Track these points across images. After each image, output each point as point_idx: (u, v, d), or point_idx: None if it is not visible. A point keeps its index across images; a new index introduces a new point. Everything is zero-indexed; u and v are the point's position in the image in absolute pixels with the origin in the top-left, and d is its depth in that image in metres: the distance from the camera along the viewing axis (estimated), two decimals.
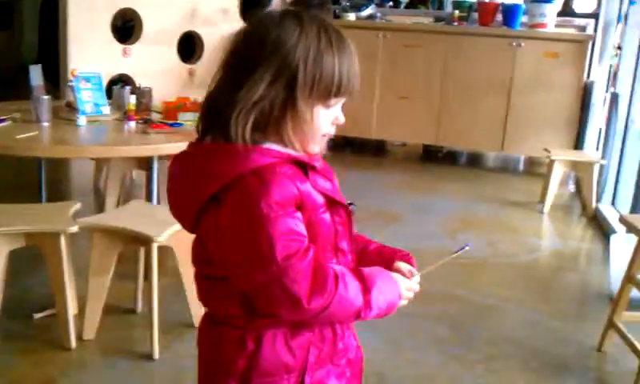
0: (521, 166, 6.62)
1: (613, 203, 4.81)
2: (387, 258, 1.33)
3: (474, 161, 6.72)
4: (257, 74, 1.13)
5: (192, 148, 1.23)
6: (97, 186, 4.75)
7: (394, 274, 1.27)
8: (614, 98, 4.90)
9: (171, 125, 3.27)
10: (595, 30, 5.93)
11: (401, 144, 6.93)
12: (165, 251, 2.67)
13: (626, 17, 4.95)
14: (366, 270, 1.23)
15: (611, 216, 4.44)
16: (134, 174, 4.43)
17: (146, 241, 2.55)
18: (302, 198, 1.15)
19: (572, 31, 6.08)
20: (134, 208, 2.93)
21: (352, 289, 1.17)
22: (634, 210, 4.04)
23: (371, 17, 6.32)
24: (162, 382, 2.48)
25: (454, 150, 6.71)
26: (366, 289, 1.19)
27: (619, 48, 5.06)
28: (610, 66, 5.35)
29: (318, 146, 1.22)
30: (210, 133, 1.20)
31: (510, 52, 5.82)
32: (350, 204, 1.29)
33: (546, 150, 5.05)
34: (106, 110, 3.45)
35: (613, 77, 5.23)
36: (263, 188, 1.11)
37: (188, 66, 6.08)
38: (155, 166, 3.26)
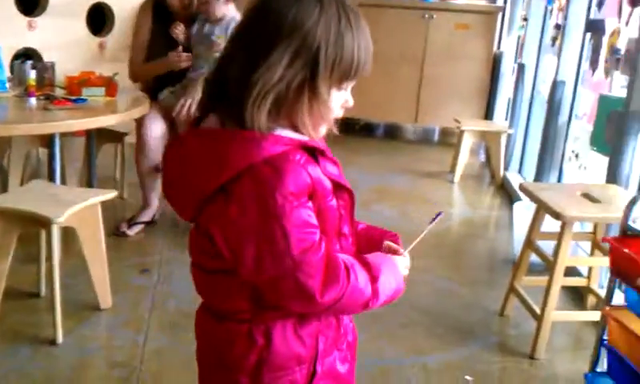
0: (436, 137, 6.75)
1: (519, 171, 4.97)
2: (376, 239, 1.31)
3: (392, 133, 6.81)
4: (275, 53, 1.08)
5: (197, 132, 1.16)
6: (0, 165, 4.57)
7: (394, 257, 1.26)
8: (521, 68, 5.04)
9: (74, 101, 3.18)
10: (505, 2, 6.08)
11: None
12: (70, 232, 2.60)
13: None
14: (371, 258, 1.21)
15: (517, 184, 4.60)
16: (41, 152, 4.28)
17: (45, 222, 2.47)
18: (314, 186, 1.10)
19: (482, 2, 6.20)
20: (35, 188, 2.83)
21: (362, 280, 1.15)
22: (538, 178, 4.18)
23: None
24: (66, 367, 2.42)
25: (371, 122, 6.78)
26: (374, 278, 1.17)
27: (525, 19, 5.19)
28: (518, 36, 5.49)
29: (324, 130, 1.18)
30: (217, 114, 1.14)
31: (423, 24, 5.90)
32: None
33: (456, 120, 5.16)
34: (6, 85, 3.32)
35: (520, 48, 5.37)
36: (277, 178, 1.06)
37: (98, 39, 5.89)
38: (57, 143, 3.15)
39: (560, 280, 2.58)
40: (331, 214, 1.16)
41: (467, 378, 2.48)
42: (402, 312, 2.93)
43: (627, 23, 3.19)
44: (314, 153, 1.13)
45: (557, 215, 2.49)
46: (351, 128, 6.52)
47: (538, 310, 2.66)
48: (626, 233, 1.86)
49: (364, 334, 2.70)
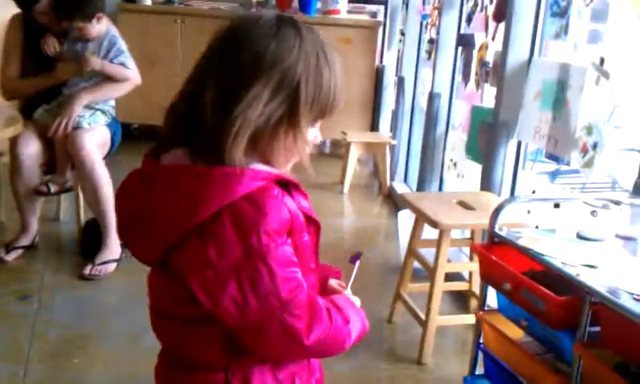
0: (327, 149, 6.83)
1: (405, 180, 5.12)
2: (323, 278, 1.29)
3: None
4: (254, 89, 1.05)
5: (165, 168, 1.10)
6: None
7: (352, 297, 1.25)
8: (401, 81, 5.19)
9: None
10: (385, 16, 6.25)
11: None
12: None
13: (407, 3, 5.24)
14: (337, 299, 1.19)
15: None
16: None
17: None
18: (292, 222, 1.07)
19: (365, 17, 6.35)
20: None
21: (340, 320, 1.14)
22: (420, 187, 4.32)
23: (169, 1, 6.17)
24: None
25: None
26: (346, 319, 1.16)
27: (403, 34, 5.35)
28: (398, 50, 5.65)
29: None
30: (186, 149, 1.09)
31: None
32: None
33: (343, 132, 5.25)
34: None
35: (400, 61, 5.52)
36: (260, 215, 1.02)
37: None
38: None
39: (441, 285, 2.68)
40: (306, 250, 1.14)
41: None
42: None
43: (493, 38, 3.36)
44: (287, 186, 1.10)
45: (434, 224, 2.60)
46: None
47: (422, 316, 2.74)
48: (493, 240, 1.96)
49: None
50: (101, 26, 3.34)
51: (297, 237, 1.10)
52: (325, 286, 1.30)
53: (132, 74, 3.41)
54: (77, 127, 3.28)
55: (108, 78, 3.36)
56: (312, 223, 1.17)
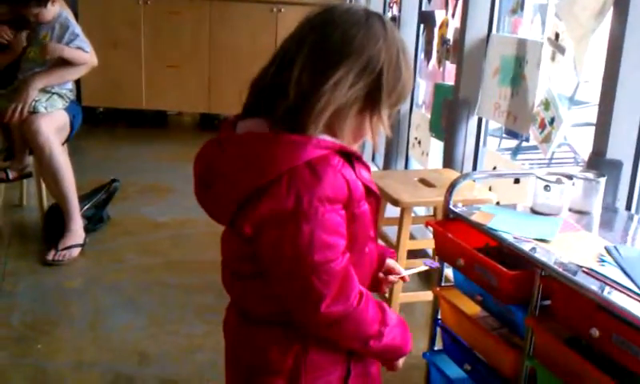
0: None
1: (373, 160, 5.11)
2: (381, 256, 1.36)
3: None
4: (340, 70, 1.12)
5: (239, 137, 1.17)
6: None
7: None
8: None
9: None
10: None
11: (176, 113, 6.83)
12: None
13: None
14: (388, 309, 1.24)
15: None
16: None
17: None
18: (350, 192, 1.13)
19: None
20: None
21: (371, 312, 1.18)
22: (386, 165, 4.32)
23: None
24: None
25: (229, 117, 6.72)
26: (384, 321, 1.20)
27: None
28: None
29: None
30: (267, 119, 1.15)
31: (272, 17, 5.93)
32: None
33: None
34: None
35: None
36: (316, 181, 1.09)
37: None
38: None
39: (404, 263, 2.69)
40: (364, 218, 1.19)
41: None
42: None
43: (453, 15, 3.36)
44: (349, 157, 1.16)
45: (395, 202, 2.61)
46: (210, 123, 6.47)
47: (386, 293, 2.76)
48: (448, 216, 1.97)
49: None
50: (55, 8, 3.28)
51: (354, 206, 1.15)
52: (383, 263, 1.37)
53: (89, 56, 3.37)
54: (34, 112, 3.22)
55: (62, 61, 3.30)
56: (372, 195, 1.22)
